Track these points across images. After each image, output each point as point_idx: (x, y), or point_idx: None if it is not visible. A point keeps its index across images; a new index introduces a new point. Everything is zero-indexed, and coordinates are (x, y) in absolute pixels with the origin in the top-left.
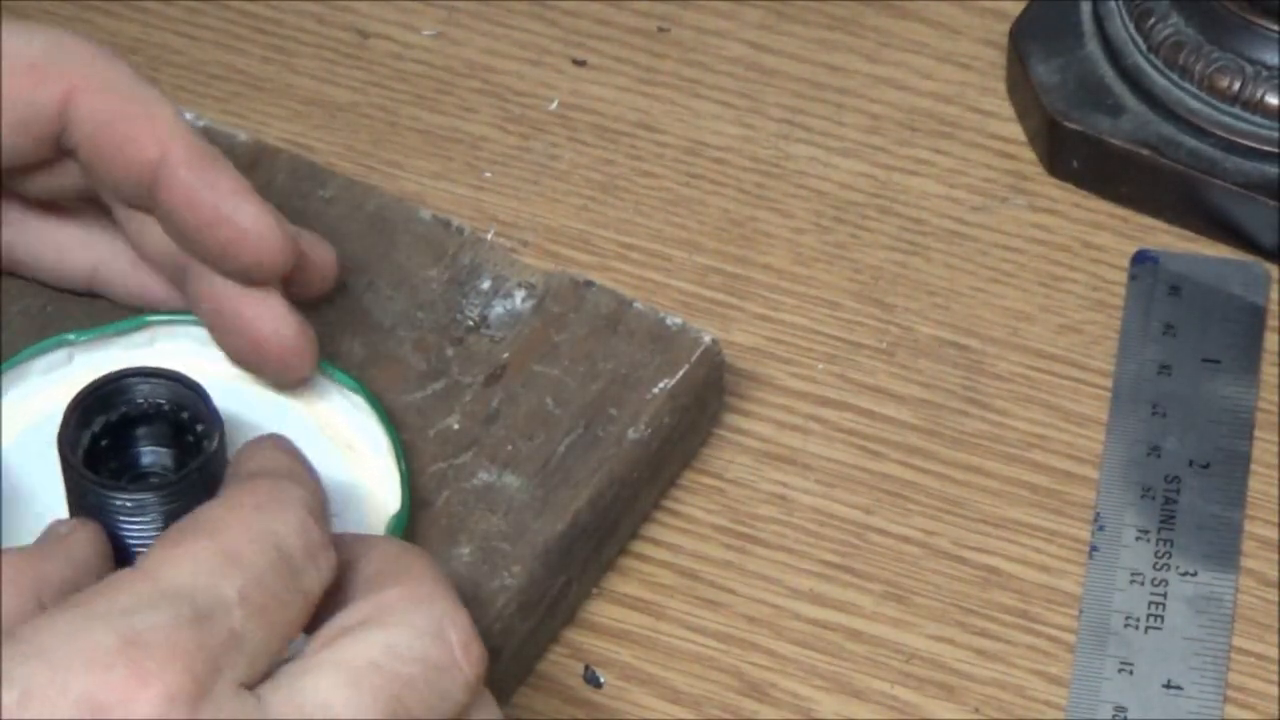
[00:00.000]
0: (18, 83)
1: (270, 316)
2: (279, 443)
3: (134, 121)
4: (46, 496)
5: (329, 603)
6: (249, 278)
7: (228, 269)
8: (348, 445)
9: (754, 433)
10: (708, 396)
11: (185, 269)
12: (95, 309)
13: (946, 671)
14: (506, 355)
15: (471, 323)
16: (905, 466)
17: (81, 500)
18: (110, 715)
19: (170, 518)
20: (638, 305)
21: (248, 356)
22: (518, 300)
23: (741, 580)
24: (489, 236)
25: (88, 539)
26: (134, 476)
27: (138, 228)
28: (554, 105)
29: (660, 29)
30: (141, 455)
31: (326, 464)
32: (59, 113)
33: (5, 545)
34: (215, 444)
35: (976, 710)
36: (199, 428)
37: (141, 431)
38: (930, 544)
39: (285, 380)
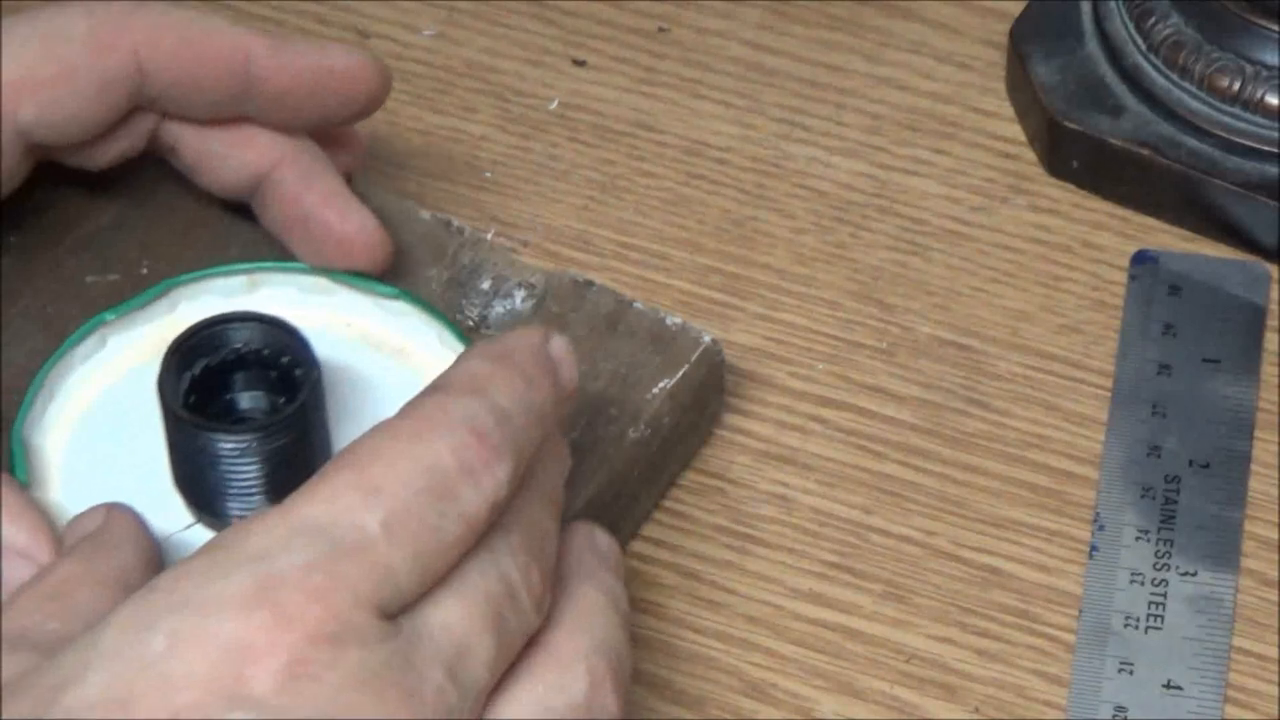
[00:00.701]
0: (86, 58)
1: (355, 216)
2: (492, 347)
3: (206, 45)
4: (114, 479)
5: None
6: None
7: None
8: (398, 350)
9: (754, 433)
10: (708, 396)
11: (260, 190)
12: (96, 307)
13: (946, 671)
14: None
15: (471, 323)
16: (905, 466)
17: (184, 447)
18: (256, 659)
19: (272, 458)
20: (638, 305)
21: (332, 257)
22: (518, 300)
23: (741, 580)
24: (489, 237)
25: (127, 516)
26: (230, 423)
27: (209, 165)
28: (554, 105)
29: (660, 29)
30: (237, 401)
31: (386, 375)
32: (134, 71)
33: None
34: (313, 382)
35: (976, 710)
36: (295, 369)
37: (236, 377)
38: (930, 544)
39: (370, 271)
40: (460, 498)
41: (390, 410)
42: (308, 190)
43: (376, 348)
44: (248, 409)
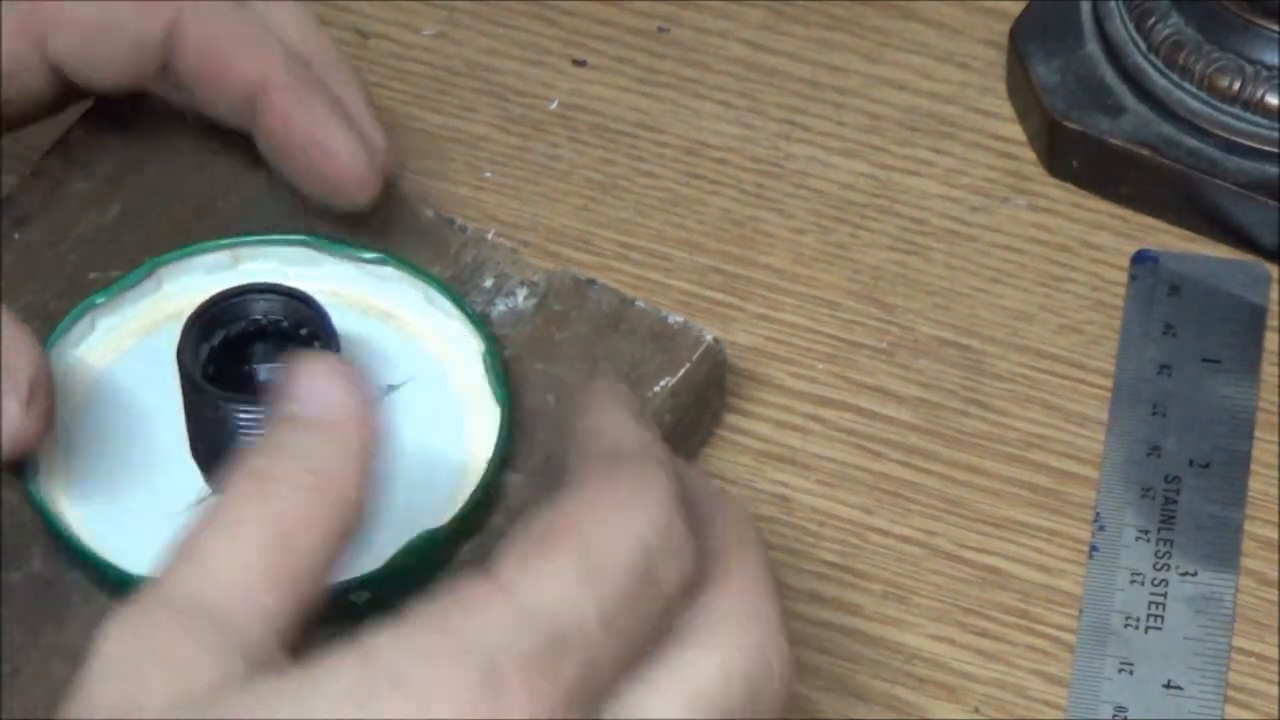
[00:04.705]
0: (126, 12)
1: (345, 141)
2: (619, 399)
3: (237, 45)
4: (120, 458)
5: None
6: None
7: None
8: (386, 314)
9: (754, 433)
10: (709, 395)
11: (255, 114)
12: None
13: (946, 671)
14: (508, 353)
15: None
16: (905, 466)
17: (204, 418)
18: None
19: None
20: (639, 304)
21: (320, 184)
22: (520, 298)
23: None
24: (489, 237)
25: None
26: (248, 393)
27: (200, 83)
28: (554, 105)
29: (660, 29)
30: (256, 372)
31: (377, 340)
32: (165, 39)
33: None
34: (333, 353)
35: (976, 710)
36: (314, 340)
37: (255, 348)
38: (930, 544)
39: (356, 203)
40: (663, 581)
41: (385, 374)
42: (298, 110)
43: (364, 313)
44: (266, 380)
